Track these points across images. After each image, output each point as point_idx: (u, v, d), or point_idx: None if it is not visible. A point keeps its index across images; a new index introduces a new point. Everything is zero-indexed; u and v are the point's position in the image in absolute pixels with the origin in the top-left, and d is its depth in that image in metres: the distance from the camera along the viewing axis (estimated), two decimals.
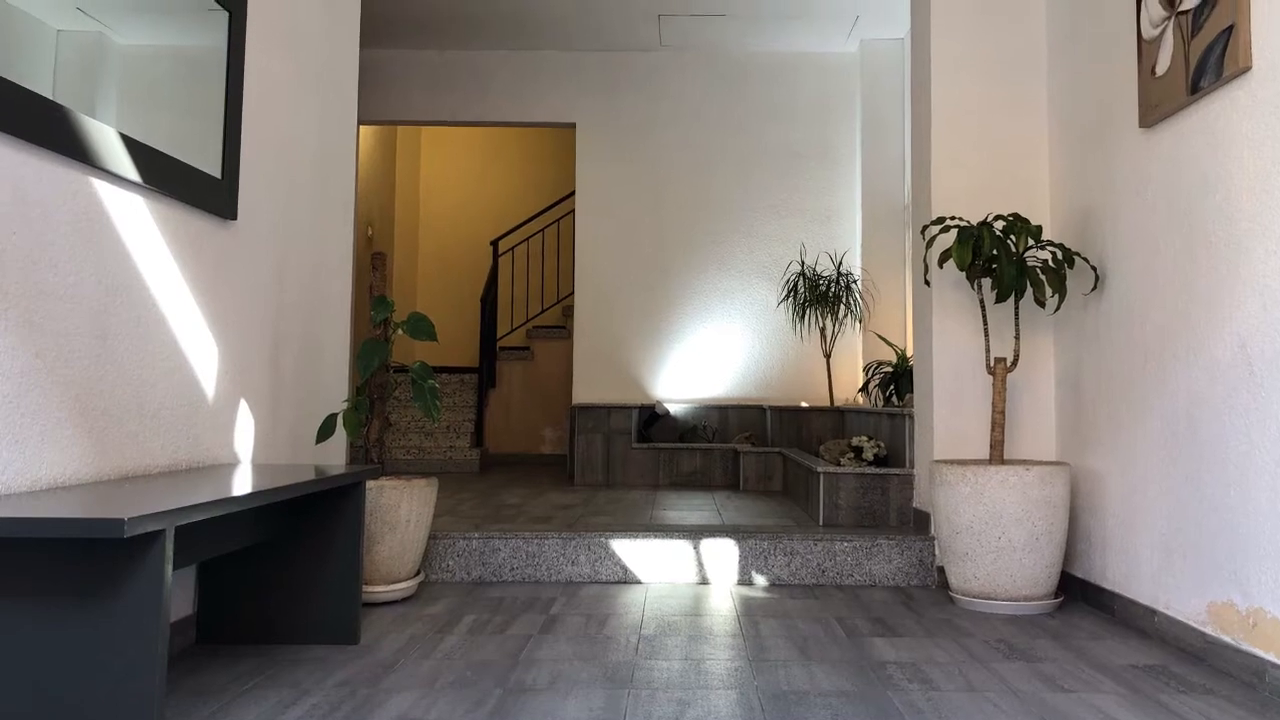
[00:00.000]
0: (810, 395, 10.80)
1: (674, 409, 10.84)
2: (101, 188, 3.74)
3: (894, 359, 9.17)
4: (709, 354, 11.09)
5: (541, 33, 10.76)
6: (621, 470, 9.94)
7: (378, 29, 10.41)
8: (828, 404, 10.20)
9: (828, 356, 10.30)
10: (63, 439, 3.57)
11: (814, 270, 10.54)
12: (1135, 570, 5.02)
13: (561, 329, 12.81)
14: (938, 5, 6.31)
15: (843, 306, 10.33)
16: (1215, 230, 4.33)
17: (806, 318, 10.48)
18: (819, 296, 10.27)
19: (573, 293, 11.54)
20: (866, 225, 10.83)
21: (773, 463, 9.34)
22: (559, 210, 13.24)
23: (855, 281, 10.50)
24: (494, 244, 13.24)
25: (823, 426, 9.70)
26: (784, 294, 10.61)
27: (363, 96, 11.07)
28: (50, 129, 3.39)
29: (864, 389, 9.51)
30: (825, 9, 10.05)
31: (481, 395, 12.36)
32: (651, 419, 10.64)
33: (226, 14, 4.67)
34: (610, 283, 11.14)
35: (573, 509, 7.66)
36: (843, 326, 10.49)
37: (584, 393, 11.03)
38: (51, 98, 3.42)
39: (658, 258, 11.14)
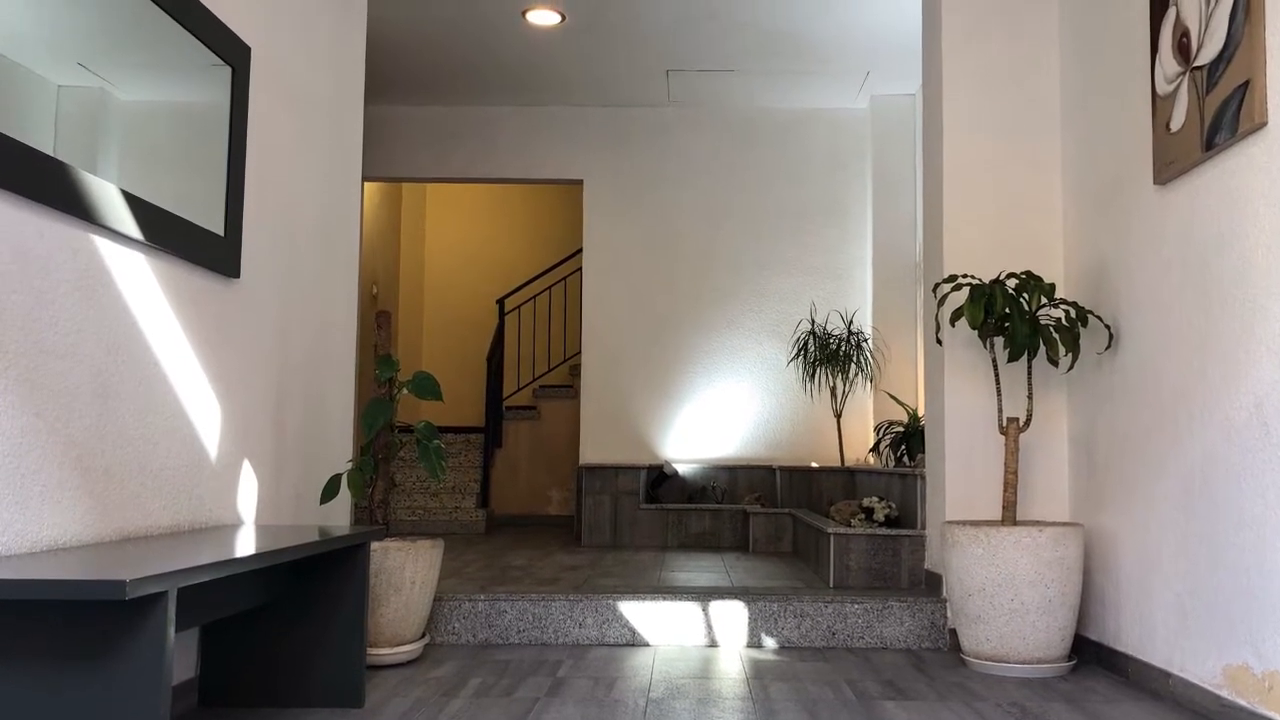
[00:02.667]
0: (820, 455, 10.71)
1: (682, 469, 10.78)
2: (103, 245, 3.70)
3: (905, 418, 9.09)
4: (718, 413, 11.02)
5: (548, 88, 10.73)
6: (629, 531, 9.88)
7: (382, 85, 10.38)
8: (838, 464, 10.11)
9: (838, 416, 10.21)
10: (63, 499, 3.52)
11: (824, 329, 10.46)
12: (1150, 632, 4.95)
13: (568, 388, 12.76)
14: (949, 62, 6.30)
15: (853, 366, 10.25)
16: (1230, 288, 4.28)
17: (817, 377, 10.38)
18: (829, 355, 10.20)
19: (580, 352, 11.49)
20: (877, 283, 10.75)
21: (782, 524, 9.27)
22: (566, 268, 13.19)
23: (866, 340, 10.43)
24: (500, 302, 13.22)
25: (833, 487, 9.62)
26: (794, 353, 10.52)
27: (367, 153, 11.04)
28: (51, 186, 3.36)
29: (875, 449, 9.44)
30: (835, 65, 9.99)
31: (487, 455, 12.31)
32: (660, 479, 10.58)
33: (229, 69, 4.64)
34: (618, 341, 11.09)
35: (580, 570, 7.59)
36: (853, 386, 10.38)
37: (591, 453, 10.96)
38: (52, 154, 3.39)
39: (666, 316, 11.09)
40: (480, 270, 14.52)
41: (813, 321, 10.60)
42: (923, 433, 7.30)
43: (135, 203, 3.84)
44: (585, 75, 10.36)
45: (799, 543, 8.68)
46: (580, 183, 11.37)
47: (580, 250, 11.47)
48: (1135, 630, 5.10)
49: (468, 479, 12.01)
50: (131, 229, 3.81)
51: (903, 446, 8.60)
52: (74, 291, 3.54)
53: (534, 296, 13.53)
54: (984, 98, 6.25)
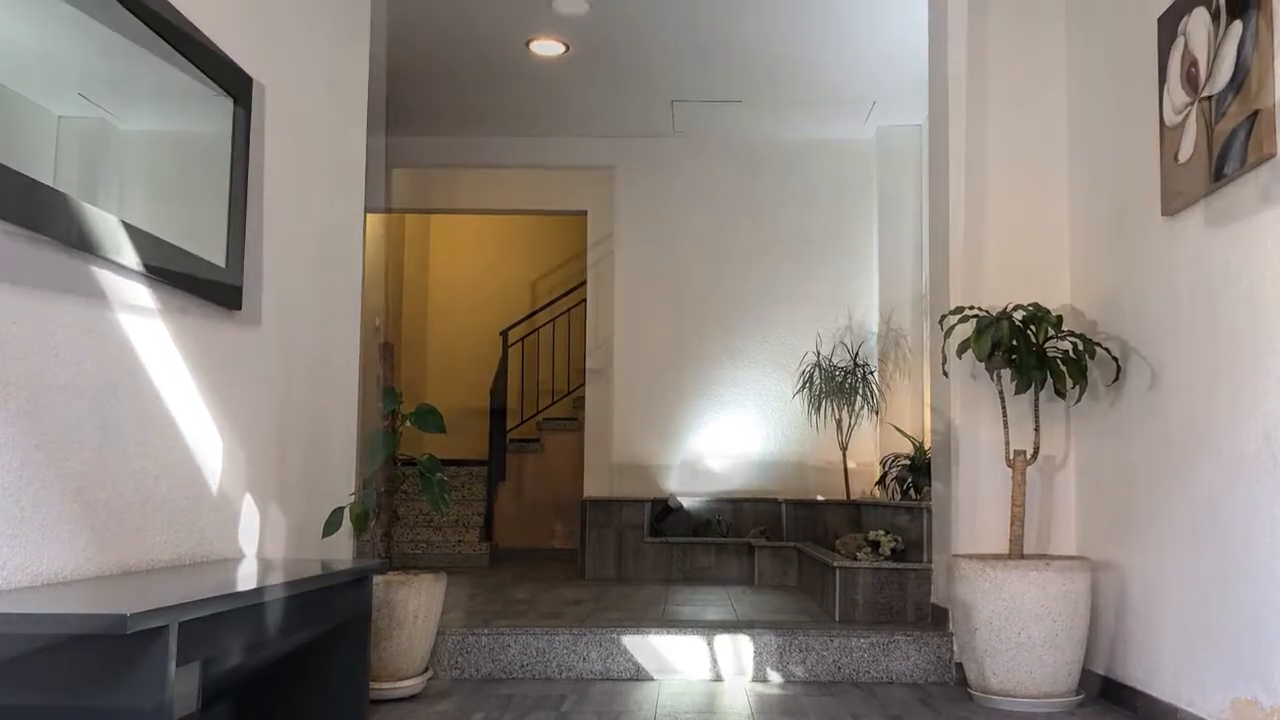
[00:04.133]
0: (826, 488, 10.64)
1: (687, 502, 10.73)
2: (103, 277, 3.68)
3: (911, 451, 9.04)
4: (722, 446, 10.97)
5: (551, 119, 10.71)
6: (633, 565, 9.83)
7: (385, 116, 10.32)
8: (844, 496, 10.06)
9: (844, 448, 10.16)
10: (64, 533, 3.49)
11: (830, 361, 10.40)
12: (1157, 666, 4.90)
13: (572, 420, 12.71)
14: (955, 90, 6.29)
15: (859, 398, 10.19)
16: (1239, 321, 4.24)
17: (823, 409, 10.31)
18: (835, 388, 10.16)
19: (584, 384, 11.44)
20: (883, 314, 10.72)
21: (788, 558, 9.22)
22: (571, 299, 13.14)
23: (872, 372, 10.38)
24: (503, 334, 13.17)
25: (839, 520, 9.58)
26: (800, 385, 10.46)
27: (369, 184, 10.95)
28: (51, 218, 3.34)
29: (881, 482, 9.40)
30: (841, 95, 9.96)
31: (491, 488, 12.26)
32: (664, 513, 10.53)
33: (231, 101, 4.62)
34: (622, 373, 11.05)
35: (584, 604, 7.55)
36: (859, 418, 10.31)
37: (595, 486, 10.92)
38: (52, 184, 3.37)
39: (670, 348, 11.05)
40: (483, 301, 14.47)
41: (818, 354, 10.53)
42: (929, 466, 7.26)
43: (136, 234, 3.82)
44: (589, 105, 10.35)
45: (804, 577, 8.64)
46: (584, 214, 11.35)
47: (584, 282, 11.42)
48: (1143, 664, 5.06)
49: (471, 512, 11.96)
50: (132, 261, 3.79)
51: (909, 480, 8.57)
52: (75, 323, 3.52)
53: (537, 329, 13.49)
54: (991, 125, 6.22)
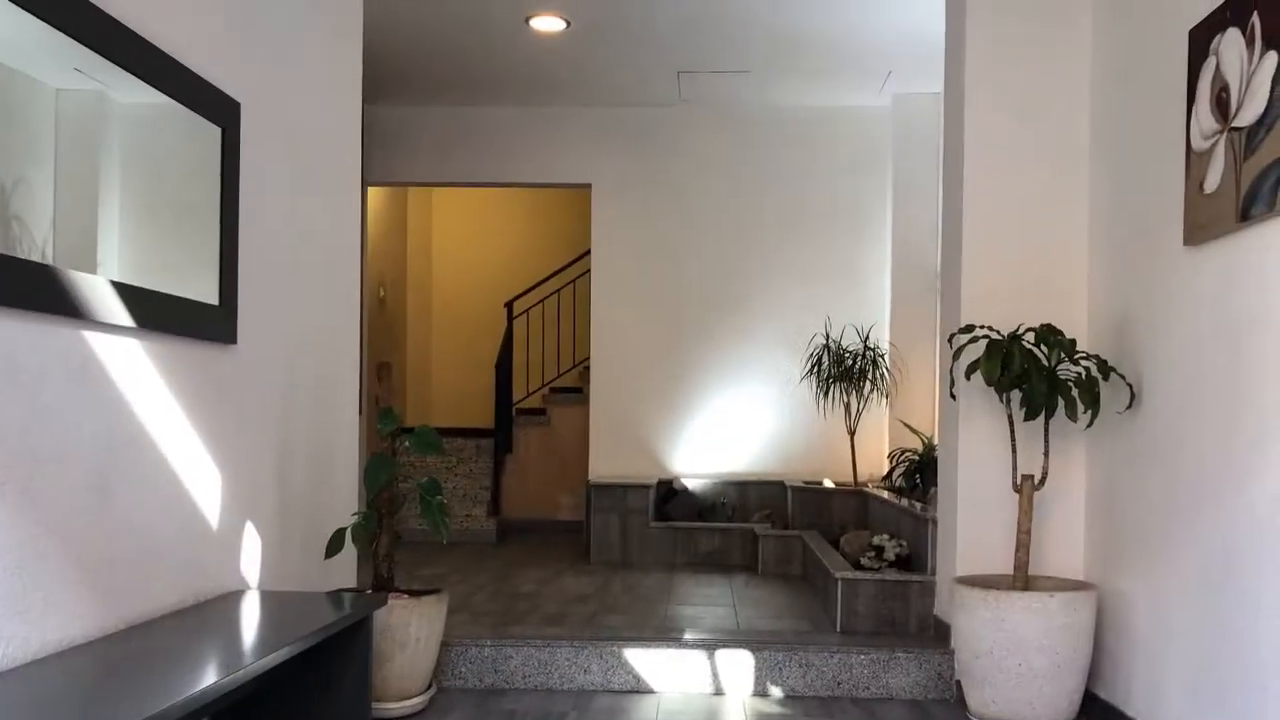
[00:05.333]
0: (833, 471, 10.60)
1: (692, 484, 10.72)
2: (95, 339, 3.64)
3: (920, 446, 8.99)
4: (728, 426, 10.94)
5: (554, 90, 10.58)
6: (638, 549, 9.84)
7: (385, 87, 10.17)
8: (851, 482, 10.02)
9: (852, 433, 10.08)
10: (65, 599, 3.49)
11: (839, 344, 10.29)
12: (1160, 702, 4.88)
13: (579, 391, 12.64)
14: (973, 91, 6.13)
15: (869, 383, 10.12)
16: (1264, 371, 4.11)
17: (831, 394, 10.23)
18: (844, 372, 10.08)
19: (589, 357, 11.39)
20: (896, 293, 10.61)
21: (792, 547, 9.22)
22: (576, 269, 13.02)
23: (883, 356, 10.28)
24: (508, 305, 13.11)
25: (844, 509, 9.58)
26: (808, 368, 10.36)
27: (369, 156, 10.75)
28: (40, 292, 3.32)
29: (888, 477, 9.35)
30: (854, 65, 9.73)
31: (498, 461, 12.26)
32: (669, 495, 10.53)
33: (219, 130, 4.56)
34: (627, 350, 11.01)
35: (587, 601, 7.59)
36: (868, 403, 10.23)
37: (600, 465, 10.89)
38: (46, 255, 3.35)
39: (676, 324, 10.99)
40: (489, 271, 14.36)
41: (827, 335, 10.40)
42: (936, 463, 7.21)
43: (125, 291, 3.77)
44: (593, 77, 10.21)
45: (809, 568, 8.64)
46: (588, 187, 11.25)
47: (590, 251, 11.33)
48: (1145, 698, 5.05)
49: (477, 486, 11.98)
50: (123, 319, 3.75)
51: (917, 476, 8.53)
52: (67, 391, 3.49)
53: (543, 299, 13.41)
54: (1009, 128, 6.07)
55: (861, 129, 10.96)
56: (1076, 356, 5.46)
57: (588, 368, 11.50)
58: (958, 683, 5.80)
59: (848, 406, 10.12)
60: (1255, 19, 4.13)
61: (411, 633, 5.26)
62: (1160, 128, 5.07)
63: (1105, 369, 5.35)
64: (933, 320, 9.83)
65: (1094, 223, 5.89)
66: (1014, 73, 6.09)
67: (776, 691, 5.96)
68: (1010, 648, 5.21)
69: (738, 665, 5.99)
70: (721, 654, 6.01)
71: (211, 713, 4.07)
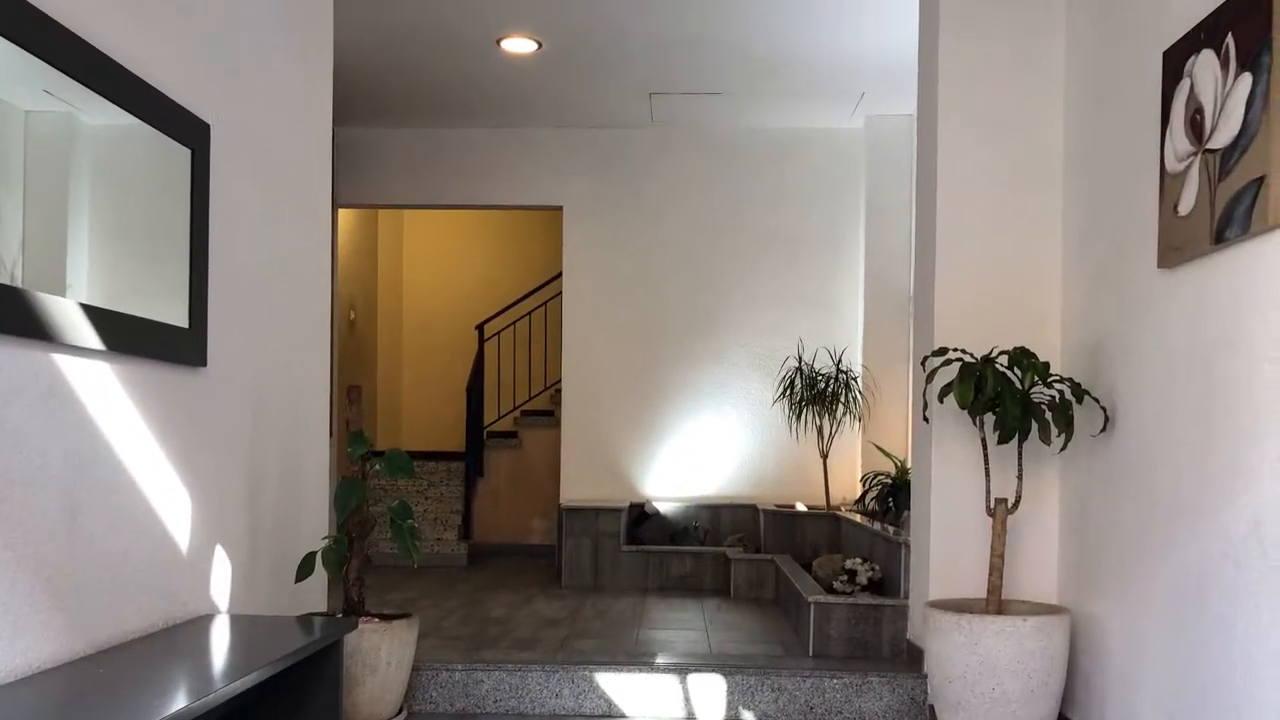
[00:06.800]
0: (806, 494, 10.58)
1: (664, 507, 10.69)
2: (64, 362, 3.61)
3: (892, 469, 8.98)
4: (700, 449, 10.91)
5: (526, 111, 10.55)
6: (610, 573, 9.81)
7: (354, 107, 10.12)
8: (824, 506, 10.00)
9: (825, 456, 10.07)
10: (36, 624, 3.45)
11: (811, 367, 10.28)
12: None
13: (550, 414, 12.62)
14: (946, 113, 6.13)
15: (841, 406, 10.10)
16: (1236, 396, 4.11)
17: (803, 417, 10.20)
18: (817, 395, 10.07)
19: (560, 380, 11.35)
20: (869, 315, 10.59)
21: (765, 571, 9.20)
22: (548, 292, 12.96)
23: (855, 379, 10.27)
24: (480, 328, 13.05)
25: (817, 533, 9.55)
26: (780, 391, 10.34)
27: (340, 178, 10.63)
28: (9, 315, 3.29)
29: (860, 501, 9.33)
30: (827, 86, 9.74)
31: (469, 485, 12.21)
32: (641, 518, 10.50)
33: (189, 152, 4.53)
34: (598, 373, 10.97)
35: (559, 625, 7.55)
36: (841, 426, 10.21)
37: (572, 488, 10.85)
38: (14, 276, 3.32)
39: (648, 347, 10.96)
40: (460, 292, 14.32)
41: (800, 358, 10.39)
42: (909, 486, 7.20)
43: (95, 314, 3.75)
44: (564, 99, 10.19)
45: (781, 592, 8.62)
46: (560, 209, 11.21)
47: (561, 274, 11.30)
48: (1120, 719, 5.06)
49: (448, 510, 11.91)
50: (93, 341, 3.72)
51: (890, 499, 8.52)
52: (36, 414, 3.45)
53: (514, 322, 13.35)
54: (982, 149, 6.07)
55: (834, 151, 10.94)
56: (1050, 379, 5.46)
57: (559, 391, 11.47)
58: (931, 707, 5.78)
59: (820, 430, 10.10)
60: (1230, 40, 4.13)
61: (382, 657, 5.21)
62: (1134, 149, 5.07)
63: (1079, 392, 5.35)
64: (906, 343, 9.86)
65: (1068, 245, 5.90)
66: (987, 94, 6.09)
67: (749, 716, 5.93)
68: (984, 672, 5.19)
69: (710, 689, 5.96)
70: (694, 678, 5.98)
71: None
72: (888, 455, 9.39)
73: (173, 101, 4.35)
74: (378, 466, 5.38)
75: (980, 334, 5.84)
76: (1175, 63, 4.61)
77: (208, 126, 4.65)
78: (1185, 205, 4.45)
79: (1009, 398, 5.35)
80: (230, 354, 4.93)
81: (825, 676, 5.95)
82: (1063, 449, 5.46)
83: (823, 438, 10.09)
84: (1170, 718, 4.55)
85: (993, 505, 5.50)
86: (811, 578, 7.78)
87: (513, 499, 12.43)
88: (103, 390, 3.85)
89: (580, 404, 11.03)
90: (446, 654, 6.33)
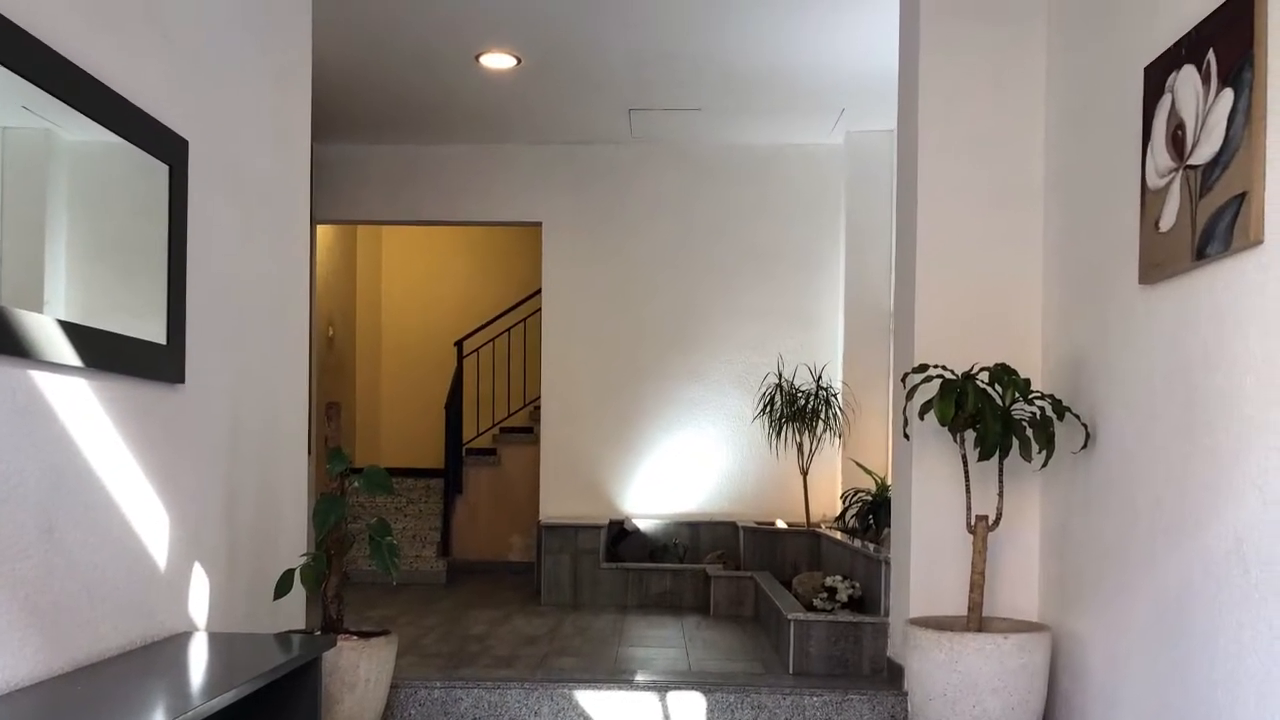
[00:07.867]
0: (786, 511, 10.57)
1: (644, 525, 10.67)
2: (41, 378, 3.58)
3: (873, 486, 8.97)
4: (680, 466, 10.90)
5: (505, 127, 10.54)
6: (590, 590, 9.78)
7: (332, 123, 10.11)
8: (804, 522, 9.99)
9: (805, 473, 10.06)
10: (12, 642, 3.42)
11: (791, 384, 10.27)
12: None
13: (529, 431, 12.58)
14: (926, 130, 6.10)
15: (821, 423, 10.10)
16: (1217, 412, 4.11)
17: (783, 433, 10.19)
18: (797, 412, 10.06)
19: (540, 396, 11.32)
20: (849, 332, 10.58)
21: (744, 588, 9.18)
22: (527, 308, 12.91)
23: (835, 396, 10.27)
24: (459, 344, 13.02)
25: (797, 550, 9.54)
26: (760, 407, 10.31)
27: (318, 194, 10.57)
28: None
29: (841, 518, 9.31)
30: (807, 102, 9.74)
31: (448, 502, 12.18)
32: (620, 535, 10.48)
33: (167, 168, 4.50)
34: (578, 390, 10.96)
35: (538, 643, 7.53)
36: (821, 443, 10.20)
37: (551, 505, 10.83)
38: None
39: (628, 364, 10.94)
40: (439, 309, 14.28)
41: (780, 375, 10.38)
42: (890, 504, 7.18)
43: (72, 330, 3.72)
44: (544, 114, 10.19)
45: (760, 609, 8.60)
46: (539, 225, 11.20)
47: (540, 290, 11.28)
48: None
49: (427, 527, 11.87)
50: (70, 358, 3.69)
51: (870, 516, 8.50)
52: (13, 431, 3.43)
53: (493, 338, 13.33)
54: (963, 165, 6.05)
55: (815, 167, 10.95)
56: (1031, 396, 5.45)
57: (538, 407, 11.45)
58: None
59: (800, 446, 10.09)
60: (1211, 56, 4.13)
61: (361, 674, 5.18)
62: (1115, 165, 5.06)
63: (1060, 409, 5.34)
64: (886, 359, 9.84)
65: (1048, 261, 5.89)
66: (968, 109, 6.07)
67: None
68: (964, 690, 5.18)
69: (690, 707, 5.93)
70: (673, 695, 5.95)
71: None
72: (868, 472, 9.38)
73: (151, 118, 4.33)
74: (356, 483, 5.35)
75: (961, 350, 5.80)
76: (1156, 79, 4.60)
77: (186, 143, 4.63)
78: (1166, 221, 4.44)
79: (990, 414, 5.33)
80: (208, 370, 4.90)
81: (805, 694, 5.92)
82: (1044, 466, 5.45)
83: (803, 454, 10.08)
84: None
85: (973, 522, 5.49)
86: (792, 595, 7.77)
87: (492, 516, 12.40)
88: (80, 407, 3.83)
89: (560, 421, 11.01)
90: (425, 671, 6.32)
